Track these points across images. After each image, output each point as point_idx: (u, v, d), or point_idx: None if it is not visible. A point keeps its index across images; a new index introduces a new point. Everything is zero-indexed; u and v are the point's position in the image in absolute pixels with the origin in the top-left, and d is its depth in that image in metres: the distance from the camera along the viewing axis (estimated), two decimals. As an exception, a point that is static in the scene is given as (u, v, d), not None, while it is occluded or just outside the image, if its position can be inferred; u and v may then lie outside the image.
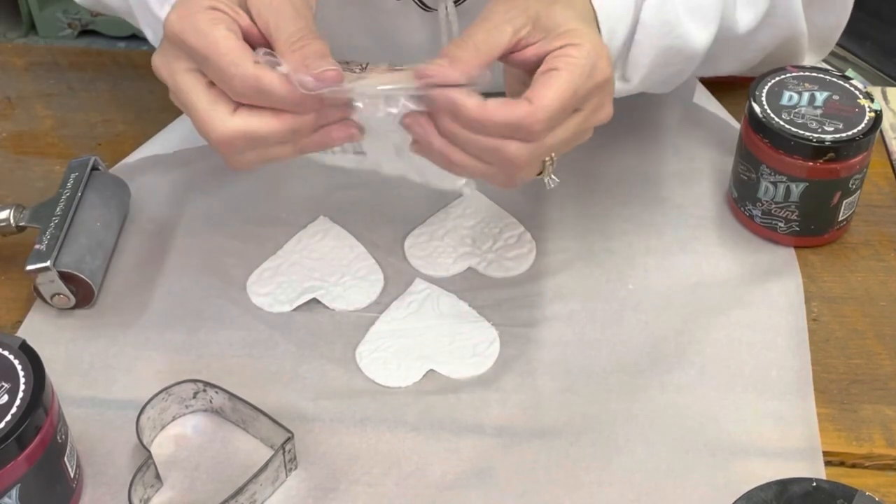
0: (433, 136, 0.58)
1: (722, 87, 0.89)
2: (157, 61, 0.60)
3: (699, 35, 0.71)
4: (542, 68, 0.58)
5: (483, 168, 0.59)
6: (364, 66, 0.58)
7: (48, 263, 0.70)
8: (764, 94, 0.75)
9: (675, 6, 0.69)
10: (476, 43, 0.58)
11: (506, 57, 0.60)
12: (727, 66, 0.83)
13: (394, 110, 0.57)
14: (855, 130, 0.72)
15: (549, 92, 0.57)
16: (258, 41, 0.58)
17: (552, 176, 0.63)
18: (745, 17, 0.76)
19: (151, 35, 0.75)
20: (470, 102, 0.56)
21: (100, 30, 2.43)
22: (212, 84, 0.57)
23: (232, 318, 0.72)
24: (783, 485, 0.55)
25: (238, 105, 0.57)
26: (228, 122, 0.57)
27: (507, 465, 0.64)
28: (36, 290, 0.71)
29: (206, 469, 0.64)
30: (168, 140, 0.86)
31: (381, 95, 0.57)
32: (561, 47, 0.58)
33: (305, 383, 0.68)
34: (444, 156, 0.59)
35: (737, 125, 0.84)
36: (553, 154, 0.61)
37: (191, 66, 0.58)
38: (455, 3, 0.76)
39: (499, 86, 0.64)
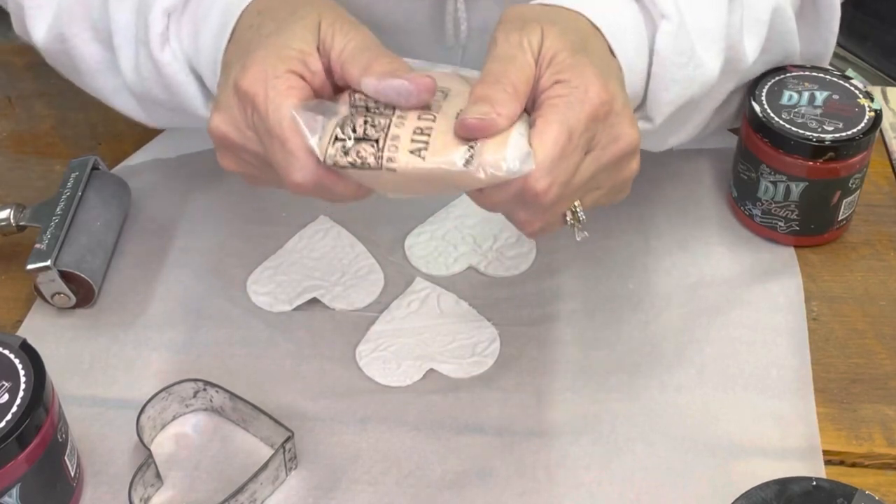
0: None
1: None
2: (223, 124, 0.56)
3: (711, 62, 0.66)
4: (534, 115, 0.53)
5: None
6: (391, 111, 0.54)
7: (49, 263, 0.70)
8: (764, 94, 0.75)
9: (688, 32, 0.64)
10: (512, 81, 0.53)
11: None
12: (728, 117, 0.79)
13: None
14: (855, 130, 0.72)
15: (542, 149, 0.51)
16: (326, 93, 0.56)
17: (578, 228, 0.57)
18: (751, 46, 0.70)
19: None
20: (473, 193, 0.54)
21: (100, 30, 2.43)
22: None
23: (232, 317, 0.73)
24: (783, 484, 0.55)
25: None
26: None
27: (508, 465, 0.64)
28: (36, 289, 0.72)
29: (206, 468, 0.64)
30: (170, 142, 0.86)
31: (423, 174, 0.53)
32: (549, 87, 0.53)
33: (306, 382, 0.68)
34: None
35: (733, 137, 0.83)
36: (577, 206, 0.56)
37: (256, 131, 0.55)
38: None
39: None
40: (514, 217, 0.55)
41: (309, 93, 0.55)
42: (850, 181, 0.74)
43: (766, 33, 0.71)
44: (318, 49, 0.56)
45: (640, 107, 0.66)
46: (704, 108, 0.72)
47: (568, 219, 0.56)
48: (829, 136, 0.72)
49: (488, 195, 0.53)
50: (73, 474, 0.61)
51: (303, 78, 0.55)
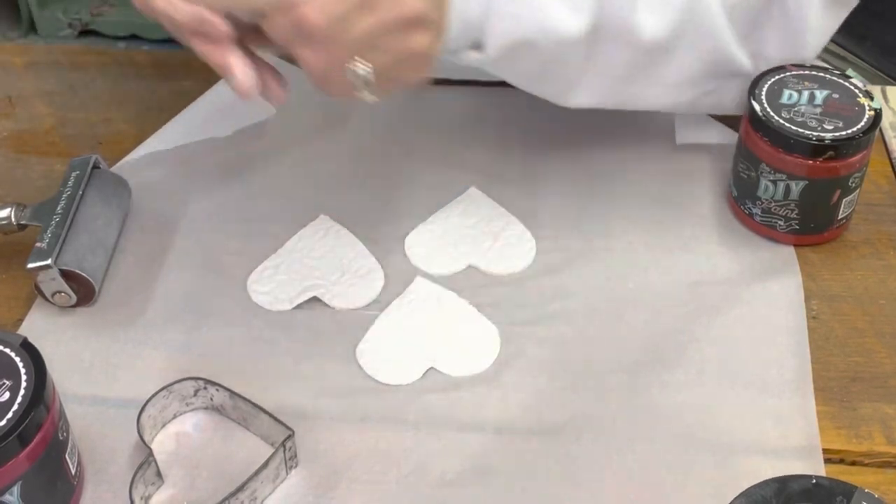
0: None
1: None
2: None
3: (565, 16, 0.69)
4: None
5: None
6: None
7: (49, 261, 0.70)
8: (764, 93, 0.75)
9: None
10: None
11: None
12: (653, 93, 0.78)
13: None
14: (854, 129, 0.72)
15: None
16: None
17: (367, 90, 0.61)
18: (649, 23, 0.72)
19: None
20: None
21: (100, 30, 2.43)
22: None
23: (233, 316, 0.73)
24: (783, 482, 0.55)
25: None
26: None
27: (507, 464, 0.64)
28: (37, 288, 0.72)
29: (206, 467, 0.64)
30: (168, 136, 0.86)
31: None
32: None
33: (306, 381, 0.68)
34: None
35: (734, 133, 0.84)
36: (367, 67, 0.60)
37: None
38: None
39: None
40: (299, 55, 0.59)
41: None
42: (850, 180, 0.74)
43: (676, 18, 0.72)
44: None
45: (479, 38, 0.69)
46: (594, 67, 0.74)
47: (359, 73, 0.60)
48: (828, 135, 0.72)
49: (270, 21, 0.58)
50: (73, 473, 0.61)
51: None
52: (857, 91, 0.76)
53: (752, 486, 0.55)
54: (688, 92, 0.78)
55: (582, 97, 0.77)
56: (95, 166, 0.78)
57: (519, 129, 0.87)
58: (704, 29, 0.74)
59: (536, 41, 0.70)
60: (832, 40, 0.85)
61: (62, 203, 0.74)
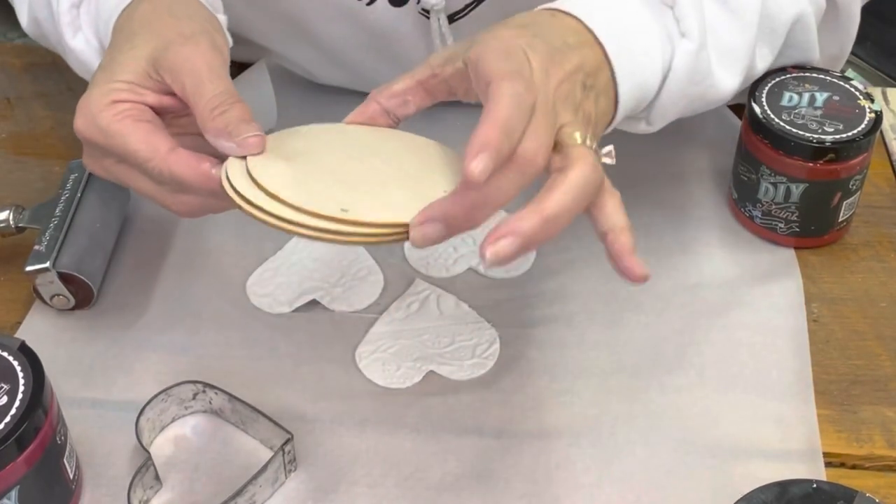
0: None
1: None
2: (88, 163, 0.61)
3: (729, 81, 0.68)
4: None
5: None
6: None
7: (47, 264, 0.70)
8: (764, 95, 0.75)
9: (709, 54, 0.66)
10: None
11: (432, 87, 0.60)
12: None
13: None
14: (855, 131, 0.72)
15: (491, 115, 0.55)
16: (174, 108, 0.59)
17: (603, 153, 0.58)
18: (761, 54, 0.72)
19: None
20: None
21: (99, 30, 2.43)
22: None
23: (231, 319, 0.72)
24: (783, 486, 0.55)
25: None
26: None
27: (507, 467, 0.64)
28: (35, 290, 0.71)
29: (205, 470, 0.64)
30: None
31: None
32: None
33: (305, 384, 0.68)
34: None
35: (737, 120, 0.84)
36: (585, 134, 0.56)
37: (117, 160, 0.59)
38: (449, 21, 0.76)
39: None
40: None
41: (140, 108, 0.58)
42: (851, 182, 0.74)
43: (780, 43, 0.72)
44: (149, 75, 0.58)
45: (645, 110, 0.66)
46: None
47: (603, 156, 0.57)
48: (829, 138, 0.72)
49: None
50: (71, 476, 0.61)
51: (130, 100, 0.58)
52: (857, 93, 0.75)
53: (752, 491, 0.55)
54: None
55: None
56: (94, 168, 0.78)
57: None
58: (800, 45, 0.75)
59: (702, 109, 0.69)
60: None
61: (60, 205, 0.74)
